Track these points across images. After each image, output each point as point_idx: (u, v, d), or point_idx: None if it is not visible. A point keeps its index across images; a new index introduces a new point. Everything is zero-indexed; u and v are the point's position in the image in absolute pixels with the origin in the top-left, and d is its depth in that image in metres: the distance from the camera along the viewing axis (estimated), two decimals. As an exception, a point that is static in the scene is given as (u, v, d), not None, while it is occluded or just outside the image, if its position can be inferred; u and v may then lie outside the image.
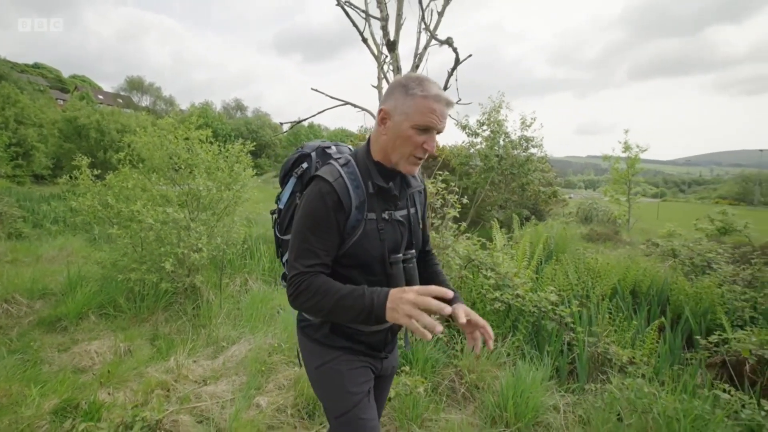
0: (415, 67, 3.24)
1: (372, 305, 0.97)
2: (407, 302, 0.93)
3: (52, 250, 6.07)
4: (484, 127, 9.84)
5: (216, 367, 2.89)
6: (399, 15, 3.22)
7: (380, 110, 1.10)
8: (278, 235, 1.32)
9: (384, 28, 3.23)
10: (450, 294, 0.96)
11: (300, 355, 1.31)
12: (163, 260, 3.44)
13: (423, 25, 3.29)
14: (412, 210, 1.24)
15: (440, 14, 3.23)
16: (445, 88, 2.84)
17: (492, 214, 7.99)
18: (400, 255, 1.15)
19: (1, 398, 2.43)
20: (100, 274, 4.04)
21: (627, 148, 11.49)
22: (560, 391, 2.56)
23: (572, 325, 3.00)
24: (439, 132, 1.10)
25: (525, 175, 8.47)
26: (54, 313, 3.70)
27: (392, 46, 3.18)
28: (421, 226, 1.30)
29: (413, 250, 1.20)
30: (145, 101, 50.13)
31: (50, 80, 48.71)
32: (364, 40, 3.06)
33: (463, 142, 10.31)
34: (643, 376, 2.56)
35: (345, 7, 2.86)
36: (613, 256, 5.24)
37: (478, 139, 9.92)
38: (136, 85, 49.72)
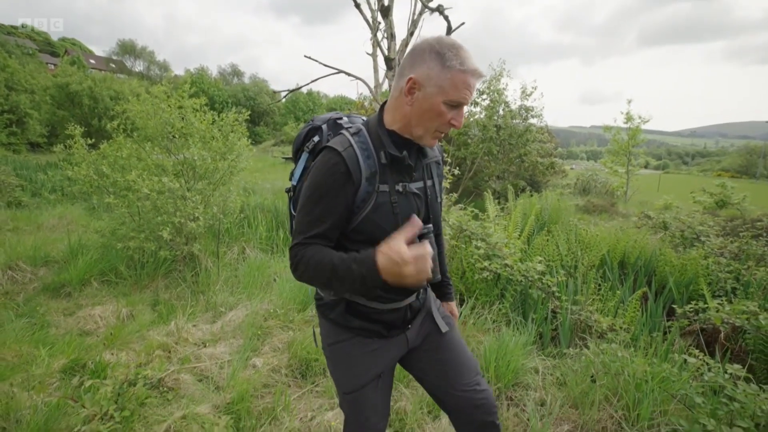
0: (410, 34, 3.17)
1: (364, 280, 0.94)
2: (407, 276, 0.91)
3: (52, 218, 6.14)
4: (484, 96, 9.65)
5: (215, 330, 3.03)
6: (393, -21, 3.11)
7: (409, 78, 0.98)
8: (293, 212, 1.24)
9: (378, -7, 3.14)
10: (419, 224, 0.97)
11: (316, 336, 1.32)
12: (161, 229, 3.51)
13: None
14: (429, 182, 1.17)
15: (436, -22, 3.12)
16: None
17: (489, 185, 8.01)
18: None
19: (12, 358, 2.58)
20: (99, 243, 4.13)
21: (629, 118, 11.32)
22: (541, 356, 2.70)
23: (557, 294, 3.11)
24: (466, 105, 1.04)
25: (523, 146, 8.40)
26: (57, 279, 3.82)
27: (386, 11, 3.10)
28: (439, 199, 1.23)
29: (431, 225, 1.10)
30: (139, 66, 48.68)
31: (39, 43, 47.08)
32: (357, 5, 2.97)
33: (462, 112, 10.12)
34: (622, 342, 2.69)
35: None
36: (605, 228, 5.31)
37: (477, 109, 9.78)
38: (128, 48, 48.09)
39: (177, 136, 4.12)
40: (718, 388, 1.99)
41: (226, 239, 5.17)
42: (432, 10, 2.76)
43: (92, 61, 48.07)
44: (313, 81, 3.58)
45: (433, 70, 0.96)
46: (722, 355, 2.81)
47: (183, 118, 4.23)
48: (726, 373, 2.00)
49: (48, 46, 50.53)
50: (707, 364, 2.10)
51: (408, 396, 2.24)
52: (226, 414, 2.09)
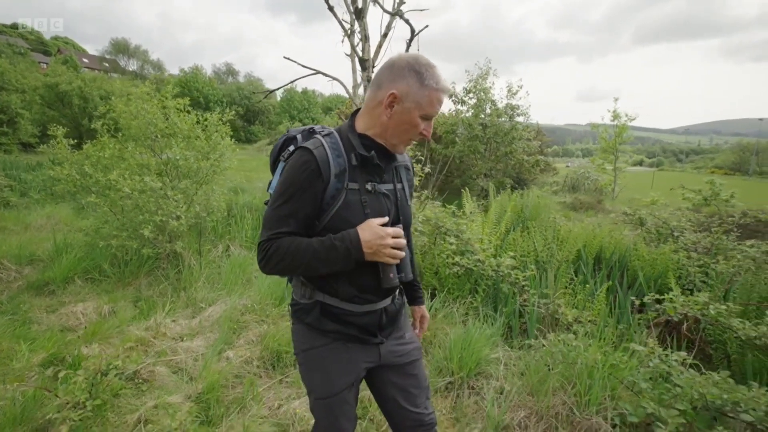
0: (384, 36, 3.25)
1: (348, 252, 1.04)
2: (387, 247, 1.06)
3: (40, 218, 6.18)
4: (471, 95, 9.74)
5: (193, 325, 3.11)
6: (366, -18, 3.19)
7: (390, 93, 1.07)
8: None
9: (350, -3, 3.22)
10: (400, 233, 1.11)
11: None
12: (142, 227, 3.58)
13: None
14: (399, 185, 1.23)
15: (408, -19, 3.21)
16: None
17: (477, 183, 8.12)
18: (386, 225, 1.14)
19: (-7, 353, 2.65)
20: (84, 241, 4.19)
21: (616, 116, 11.46)
22: (508, 347, 2.80)
23: (526, 288, 3.22)
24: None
25: (509, 144, 8.52)
26: (42, 277, 3.89)
27: (359, 13, 3.18)
28: (409, 203, 1.28)
29: (401, 225, 1.17)
30: (132, 65, 48.44)
31: (31, 42, 46.75)
32: (331, 8, 3.05)
33: (450, 111, 10.29)
34: (587, 333, 2.80)
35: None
36: (585, 224, 5.43)
37: (464, 107, 9.91)
38: (121, 47, 47.83)
39: (160, 136, 4.19)
40: (664, 373, 2.10)
41: (211, 237, 5.25)
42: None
43: (85, 60, 47.80)
44: (291, 82, 3.66)
45: (412, 87, 1.06)
46: (685, 345, 2.92)
47: (167, 118, 4.29)
48: (675, 361, 2.11)
49: (41, 45, 50.18)
50: (654, 351, 2.20)
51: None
52: (197, 403, 2.19)
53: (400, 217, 1.21)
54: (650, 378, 2.14)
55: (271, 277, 3.64)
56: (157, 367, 2.50)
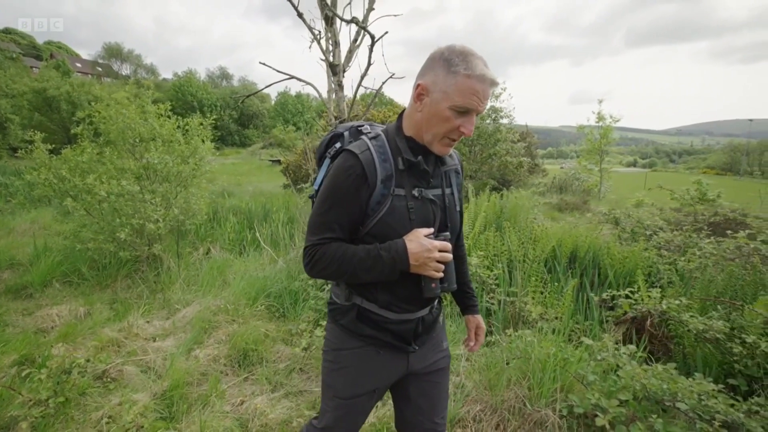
0: (353, 41, 3.33)
1: (394, 263, 1.01)
2: (433, 260, 1.02)
3: (24, 223, 6.21)
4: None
5: (166, 326, 3.16)
6: (336, -11, 3.28)
7: (417, 85, 1.02)
8: None
9: (321, 3, 3.30)
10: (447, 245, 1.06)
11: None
12: (119, 231, 3.63)
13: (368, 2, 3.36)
14: (448, 190, 1.17)
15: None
16: (367, 70, 2.96)
17: (463, 184, 8.19)
18: (432, 237, 1.08)
19: (-35, 355, 2.69)
20: (63, 245, 4.23)
21: (600, 118, 11.63)
22: (472, 343, 2.88)
23: (493, 286, 3.30)
24: (479, 113, 1.03)
25: (493, 146, 8.64)
26: (20, 281, 3.92)
27: (329, 20, 3.26)
28: (457, 208, 1.23)
29: (448, 233, 1.12)
30: (126, 70, 48.38)
31: (23, 47, 46.55)
32: (300, 15, 3.13)
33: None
34: (553, 329, 2.88)
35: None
36: (561, 224, 5.53)
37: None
38: (114, 52, 47.75)
39: (139, 140, 4.24)
40: (615, 367, 2.18)
41: (193, 240, 5.30)
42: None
43: (78, 64, 47.67)
44: (266, 87, 3.73)
45: (438, 76, 0.98)
46: (646, 340, 3.00)
47: (145, 123, 4.35)
48: (624, 354, 2.19)
49: (33, 50, 49.97)
50: (606, 346, 2.28)
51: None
52: (162, 400, 2.24)
53: (447, 223, 1.16)
54: (603, 371, 2.22)
55: (246, 279, 3.71)
56: (126, 366, 2.55)
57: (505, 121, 9.46)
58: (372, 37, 2.71)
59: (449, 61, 0.97)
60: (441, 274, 1.06)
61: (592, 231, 4.91)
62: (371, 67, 3.00)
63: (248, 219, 6.62)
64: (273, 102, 51.51)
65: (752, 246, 3.31)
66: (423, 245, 1.01)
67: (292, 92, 48.24)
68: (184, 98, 42.32)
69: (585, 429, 2.04)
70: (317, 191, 1.20)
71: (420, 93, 1.02)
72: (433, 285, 1.08)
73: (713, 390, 1.94)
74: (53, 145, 4.52)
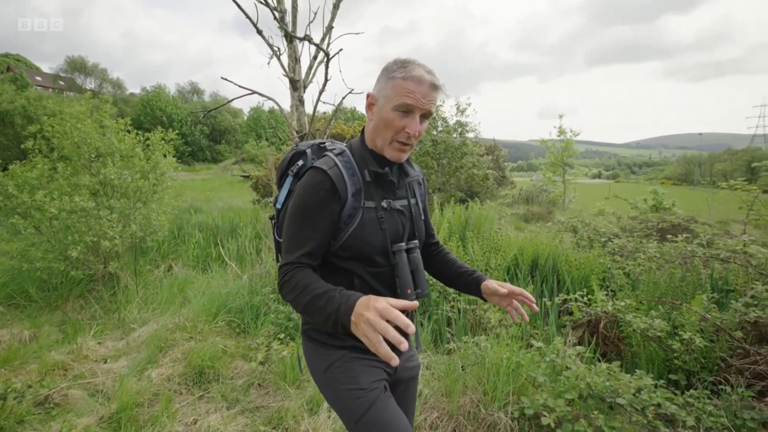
0: (314, 58, 3.41)
1: (337, 313, 0.89)
2: (367, 321, 0.81)
3: (-30, 243, 5.83)
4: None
5: (120, 347, 3.04)
6: (294, 8, 3.36)
7: (367, 95, 1.09)
8: (277, 238, 1.24)
9: (282, 20, 3.37)
10: (414, 304, 0.85)
11: (300, 362, 1.27)
12: (70, 249, 3.49)
13: (329, 19, 3.45)
14: (413, 200, 1.21)
15: (335, 6, 3.40)
16: (324, 86, 3.04)
17: (431, 197, 8.41)
18: (403, 244, 1.12)
19: None
20: (8, 265, 4.01)
21: (561, 132, 12.23)
22: (432, 353, 2.92)
23: (454, 295, 3.37)
24: (424, 115, 1.06)
25: (459, 159, 8.93)
26: (-40, 305, 3.68)
27: (289, 37, 3.33)
28: (423, 217, 1.26)
29: (416, 241, 1.16)
30: (90, 84, 46.77)
31: (-23, 60, 44.24)
32: (259, 32, 3.18)
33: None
34: (511, 335, 2.96)
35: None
36: (523, 233, 5.72)
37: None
38: (78, 66, 46.15)
39: (96, 155, 4.12)
40: (560, 367, 2.27)
41: (155, 257, 5.14)
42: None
43: (38, 78, 45.70)
44: (228, 102, 3.73)
45: (381, 84, 1.06)
46: (596, 341, 3.13)
47: (102, 138, 4.24)
48: (570, 356, 2.28)
49: (-12, 63, 47.48)
50: (557, 349, 2.38)
51: (293, 396, 2.38)
52: (109, 424, 2.15)
53: (415, 233, 1.19)
54: (557, 373, 2.31)
55: (207, 295, 3.63)
56: (71, 390, 2.43)
57: (471, 135, 9.83)
58: (326, 54, 2.79)
59: (389, 70, 1.05)
60: (376, 336, 0.80)
61: (552, 239, 5.10)
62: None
63: (214, 235, 6.48)
64: (246, 117, 50.99)
65: (689, 248, 3.54)
66: (369, 304, 0.84)
67: (266, 107, 47.94)
68: (152, 113, 41.25)
69: (536, 429, 2.11)
70: (279, 211, 1.21)
71: (370, 103, 1.09)
72: (408, 291, 1.09)
73: (652, 385, 2.05)
74: (4, 162, 4.32)
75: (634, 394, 1.92)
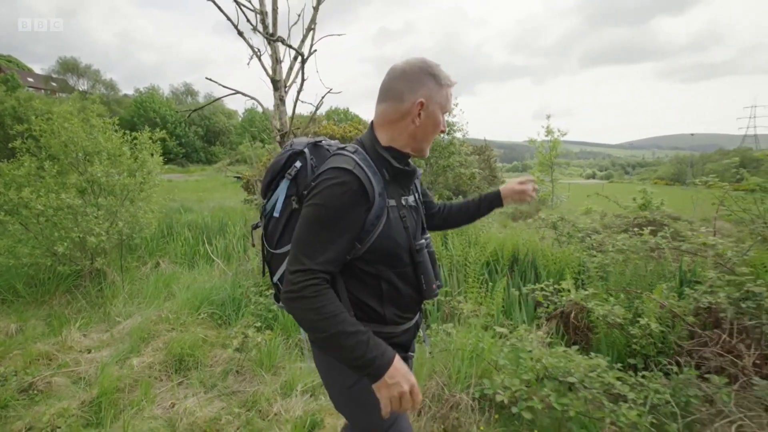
0: (294, 58, 3.52)
1: (370, 364, 0.91)
2: (401, 395, 0.92)
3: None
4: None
5: (104, 338, 3.14)
6: (275, 9, 3.48)
7: (419, 102, 1.07)
8: (270, 249, 1.15)
9: (263, 22, 3.49)
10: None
11: (305, 354, 1.31)
12: (57, 245, 3.58)
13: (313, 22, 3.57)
14: (416, 195, 1.24)
15: (315, 9, 3.52)
16: (301, 86, 3.16)
17: (421, 196, 8.52)
18: (423, 241, 1.13)
19: None
20: (-4, 262, 4.08)
21: (549, 132, 12.44)
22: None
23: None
24: None
25: (446, 158, 9.10)
26: (-52, 301, 3.75)
27: (268, 40, 3.45)
28: (423, 211, 1.30)
29: (428, 235, 1.20)
30: (83, 85, 46.55)
31: (-32, 61, 43.94)
32: (240, 33, 3.29)
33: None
34: (483, 324, 3.09)
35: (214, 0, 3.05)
36: (508, 230, 5.87)
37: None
38: (70, 67, 45.91)
39: (82, 153, 4.21)
40: (521, 351, 2.40)
41: (143, 254, 5.23)
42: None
43: (30, 79, 45.44)
44: (211, 102, 3.83)
45: (433, 90, 1.08)
46: (574, 331, 3.27)
47: (88, 137, 4.32)
48: (531, 343, 2.42)
49: (-21, 65, 47.13)
50: (521, 335, 2.51)
51: (269, 381, 2.49)
52: (90, 407, 2.25)
53: (424, 226, 1.23)
54: (518, 357, 2.43)
55: (192, 289, 3.72)
56: (55, 378, 2.53)
57: (458, 135, 9.99)
58: (301, 55, 2.91)
59: (436, 76, 1.09)
60: (397, 407, 0.95)
61: (532, 235, 5.25)
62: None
63: (204, 233, 6.57)
64: (240, 118, 50.95)
65: (653, 241, 3.69)
66: (406, 376, 0.94)
67: (260, 108, 47.92)
68: (146, 114, 41.13)
69: (496, 409, 2.23)
70: (272, 219, 1.12)
71: (421, 109, 1.08)
72: (434, 286, 1.13)
73: (606, 366, 2.19)
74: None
75: (587, 375, 2.05)
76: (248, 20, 3.03)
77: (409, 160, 1.17)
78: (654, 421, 1.91)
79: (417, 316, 1.21)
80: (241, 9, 3.24)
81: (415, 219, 1.16)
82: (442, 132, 1.15)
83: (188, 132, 43.84)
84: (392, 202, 1.07)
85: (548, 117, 12.39)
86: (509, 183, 1.46)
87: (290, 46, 3.07)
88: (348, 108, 39.71)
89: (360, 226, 1.00)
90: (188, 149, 43.84)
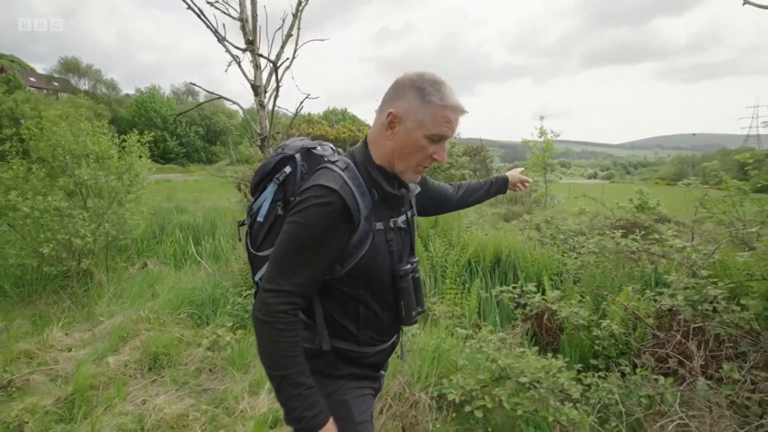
0: (274, 64, 3.60)
1: (301, 421, 0.93)
2: None
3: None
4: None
5: (86, 337, 3.23)
6: (254, 17, 3.56)
7: (389, 113, 0.97)
8: (252, 250, 1.12)
9: (243, 29, 3.57)
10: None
11: None
12: (42, 246, 3.68)
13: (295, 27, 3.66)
14: (410, 213, 1.15)
15: (295, 16, 3.60)
16: (276, 92, 3.24)
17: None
18: (408, 266, 1.07)
19: None
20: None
21: (543, 133, 12.50)
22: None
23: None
24: (449, 140, 1.02)
25: (437, 160, 9.15)
26: (-63, 301, 3.85)
27: (251, 44, 3.53)
28: (416, 228, 1.23)
29: (416, 258, 1.14)
30: (84, 85, 46.76)
31: (-30, 61, 44.21)
32: (220, 40, 3.38)
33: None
34: (459, 325, 3.17)
35: (195, 7, 3.13)
36: (494, 232, 5.93)
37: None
38: (71, 67, 46.14)
39: (69, 156, 4.31)
40: (479, 351, 2.48)
41: (132, 255, 5.33)
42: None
43: (32, 79, 45.69)
44: (197, 105, 3.92)
45: (413, 105, 0.95)
46: (532, 330, 3.34)
47: (76, 140, 4.41)
48: (491, 343, 2.49)
49: (-18, 64, 47.43)
50: (484, 336, 2.58)
51: (239, 379, 2.58)
52: (65, 404, 2.34)
53: (413, 246, 1.15)
54: (487, 359, 2.51)
55: (175, 290, 3.81)
56: (33, 375, 2.63)
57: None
58: (273, 63, 2.99)
59: (422, 90, 0.95)
60: None
61: (515, 236, 5.32)
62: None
63: (195, 234, 6.67)
64: (240, 118, 51.14)
65: (623, 243, 3.76)
66: None
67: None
68: (147, 114, 41.32)
69: (454, 408, 2.31)
70: (256, 222, 1.09)
71: (392, 121, 0.98)
72: (413, 313, 1.10)
73: (559, 366, 2.26)
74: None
75: (539, 375, 2.12)
76: (215, 31, 3.11)
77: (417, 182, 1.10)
78: (595, 420, 1.99)
79: (394, 338, 1.18)
80: (214, 16, 3.32)
81: (402, 241, 1.10)
82: (435, 160, 1.01)
83: (189, 132, 44.03)
84: (379, 226, 1.02)
85: (541, 118, 12.47)
86: (513, 172, 1.67)
87: (261, 55, 3.15)
88: (346, 108, 39.80)
89: (341, 249, 0.96)
90: (189, 149, 44.03)
